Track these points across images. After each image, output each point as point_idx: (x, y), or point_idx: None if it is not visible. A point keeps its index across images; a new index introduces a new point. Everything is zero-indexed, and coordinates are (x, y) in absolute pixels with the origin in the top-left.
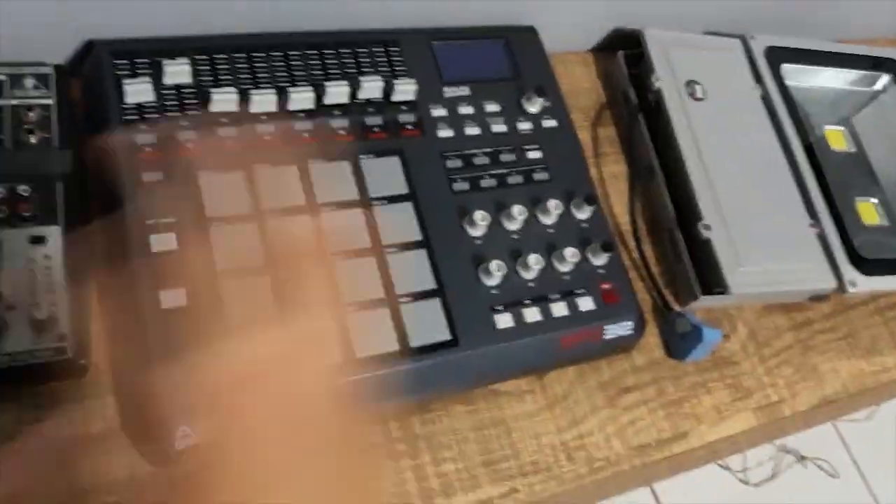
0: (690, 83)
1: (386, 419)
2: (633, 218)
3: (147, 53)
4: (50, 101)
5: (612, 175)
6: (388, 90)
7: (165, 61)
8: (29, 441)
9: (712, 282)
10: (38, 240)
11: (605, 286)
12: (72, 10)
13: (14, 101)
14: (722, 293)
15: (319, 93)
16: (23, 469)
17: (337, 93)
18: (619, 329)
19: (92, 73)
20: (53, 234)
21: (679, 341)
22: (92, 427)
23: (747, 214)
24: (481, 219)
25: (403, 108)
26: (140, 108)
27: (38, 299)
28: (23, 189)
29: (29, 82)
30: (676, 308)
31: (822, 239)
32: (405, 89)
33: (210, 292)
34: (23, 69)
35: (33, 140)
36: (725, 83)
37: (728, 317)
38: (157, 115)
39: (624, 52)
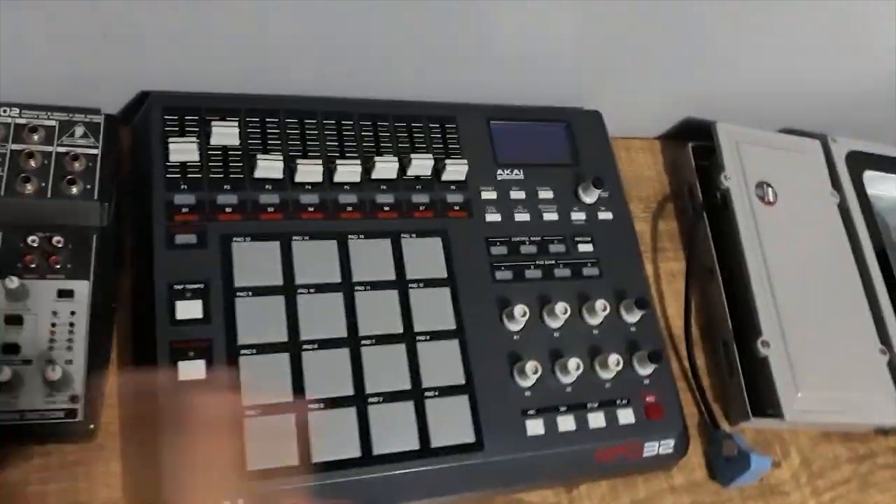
0: (762, 185)
1: None
2: (687, 324)
3: (199, 110)
4: (96, 152)
5: (668, 272)
6: (438, 169)
7: (214, 122)
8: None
9: (766, 403)
10: (66, 293)
11: (649, 399)
12: (136, 58)
13: (61, 149)
14: (775, 417)
15: (368, 167)
16: None
17: (386, 168)
18: (659, 447)
19: (142, 125)
20: (82, 289)
21: (724, 465)
22: (95, 494)
23: (811, 333)
24: (521, 314)
25: (452, 187)
26: (184, 166)
27: (56, 357)
28: (57, 240)
29: (78, 130)
30: (724, 427)
31: (893, 367)
32: (456, 169)
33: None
34: (74, 116)
35: (74, 190)
36: (800, 187)
37: (781, 441)
38: (199, 176)
39: (693, 143)
